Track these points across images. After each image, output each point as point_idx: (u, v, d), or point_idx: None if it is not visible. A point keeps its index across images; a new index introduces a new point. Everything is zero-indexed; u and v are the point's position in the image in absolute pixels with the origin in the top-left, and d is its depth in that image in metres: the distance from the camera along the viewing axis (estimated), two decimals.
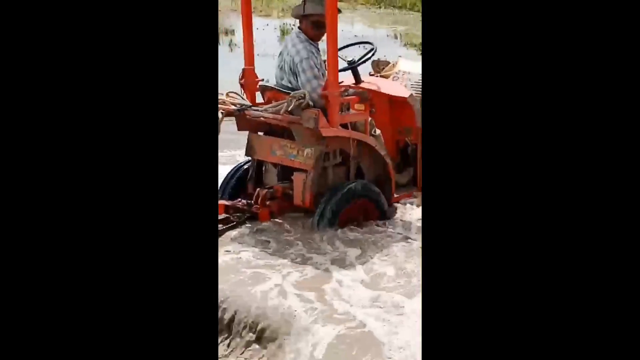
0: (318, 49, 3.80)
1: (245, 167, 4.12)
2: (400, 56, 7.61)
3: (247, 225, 3.75)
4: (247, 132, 3.97)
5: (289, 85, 3.76)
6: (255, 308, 2.84)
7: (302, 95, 3.49)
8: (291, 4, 13.35)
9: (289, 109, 3.49)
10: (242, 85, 4.01)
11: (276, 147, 3.82)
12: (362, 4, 20.54)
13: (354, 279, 3.09)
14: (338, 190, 3.66)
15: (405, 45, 13.56)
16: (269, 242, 3.54)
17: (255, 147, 3.95)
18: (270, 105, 3.70)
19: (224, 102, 3.76)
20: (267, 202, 3.79)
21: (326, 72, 3.62)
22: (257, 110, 3.72)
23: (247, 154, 4.03)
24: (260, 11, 16.65)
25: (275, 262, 3.28)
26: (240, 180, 4.09)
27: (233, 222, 3.75)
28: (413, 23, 17.04)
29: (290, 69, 3.73)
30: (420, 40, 11.43)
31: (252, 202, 3.80)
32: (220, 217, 3.75)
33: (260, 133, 3.99)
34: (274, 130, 3.90)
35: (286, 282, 3.05)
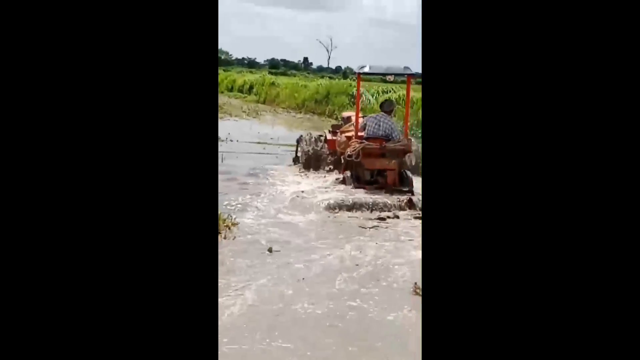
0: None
1: (349, 174, 9.18)
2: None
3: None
4: None
5: (385, 135, 9.00)
6: None
7: (398, 140, 8.77)
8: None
9: (394, 146, 8.73)
10: (357, 136, 9.20)
11: (376, 161, 8.94)
12: (283, 108, 24.15)
13: None
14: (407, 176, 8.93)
15: None
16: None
17: (364, 162, 9.02)
18: (387, 143, 8.88)
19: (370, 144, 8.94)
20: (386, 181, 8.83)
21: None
22: (389, 145, 8.84)
23: (354, 165, 9.12)
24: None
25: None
26: (353, 177, 9.13)
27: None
28: (329, 128, 19.93)
29: (386, 128, 8.99)
30: None
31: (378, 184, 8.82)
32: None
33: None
34: (371, 154, 9.02)
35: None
